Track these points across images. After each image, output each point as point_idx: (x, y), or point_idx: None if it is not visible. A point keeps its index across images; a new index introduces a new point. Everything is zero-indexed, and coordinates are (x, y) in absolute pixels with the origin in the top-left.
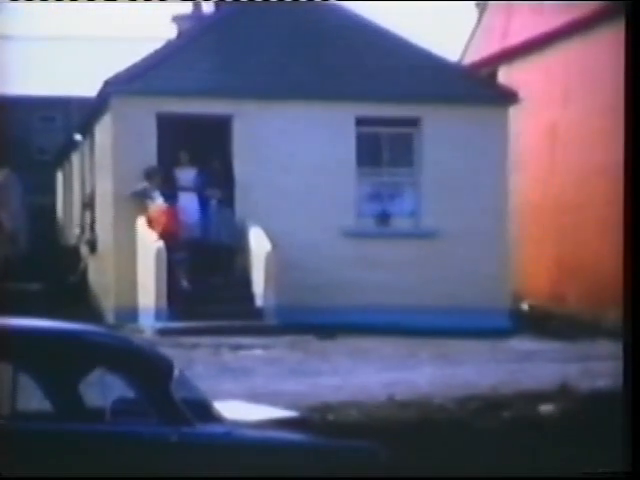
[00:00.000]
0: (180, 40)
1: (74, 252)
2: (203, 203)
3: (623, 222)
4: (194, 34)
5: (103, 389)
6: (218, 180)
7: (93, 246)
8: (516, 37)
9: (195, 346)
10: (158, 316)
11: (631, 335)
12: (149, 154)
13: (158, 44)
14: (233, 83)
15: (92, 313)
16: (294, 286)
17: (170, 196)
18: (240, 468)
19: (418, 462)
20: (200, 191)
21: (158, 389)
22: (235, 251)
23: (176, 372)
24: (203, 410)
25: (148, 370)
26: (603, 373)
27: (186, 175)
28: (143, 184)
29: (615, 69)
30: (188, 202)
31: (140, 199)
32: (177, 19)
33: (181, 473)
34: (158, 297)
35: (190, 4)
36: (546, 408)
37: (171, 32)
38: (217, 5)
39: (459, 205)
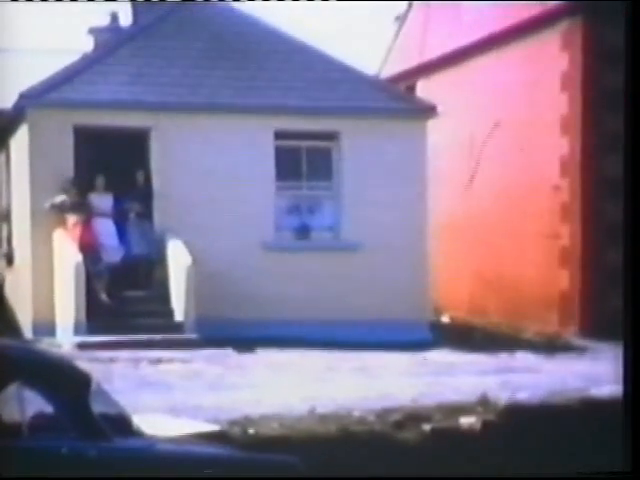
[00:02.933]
0: (97, 52)
1: None
2: (121, 218)
3: (623, 223)
4: (111, 46)
5: (21, 404)
6: (137, 193)
7: (10, 259)
8: (434, 51)
9: (114, 360)
10: (77, 330)
11: (631, 336)
12: (66, 167)
13: (75, 56)
14: (150, 95)
15: (9, 327)
16: (214, 300)
17: (87, 209)
18: None
19: (339, 475)
20: (117, 207)
21: (76, 404)
22: (154, 264)
23: (94, 386)
24: (122, 424)
25: (66, 385)
26: (523, 385)
27: (102, 199)
28: (60, 197)
29: (531, 83)
30: (106, 216)
31: (57, 212)
32: (94, 31)
33: None
34: (77, 311)
35: (107, 16)
36: (466, 420)
37: (88, 44)
38: (135, 17)
39: (379, 219)
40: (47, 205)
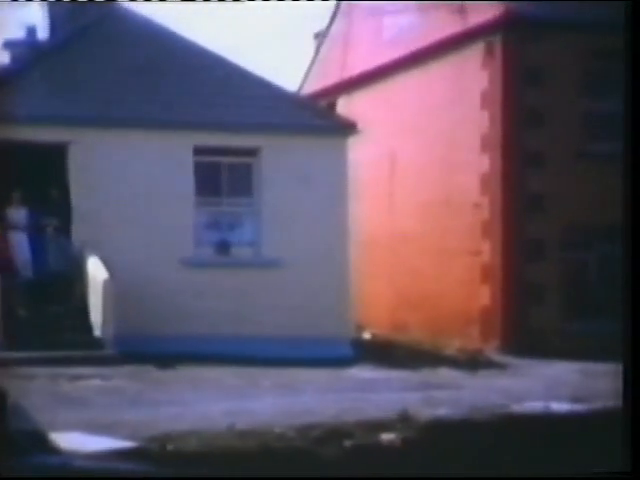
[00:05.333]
0: (14, 66)
1: None
2: (36, 232)
3: (623, 227)
4: (28, 60)
5: None
6: (55, 208)
7: None
8: (355, 68)
9: (32, 377)
10: None
11: (630, 340)
12: None
13: None
14: (68, 110)
15: None
16: (133, 316)
17: (3, 223)
18: None
19: None
20: (32, 222)
21: None
22: (73, 280)
23: (10, 403)
24: (39, 441)
25: None
26: (444, 401)
27: (18, 213)
28: None
29: (452, 101)
30: (22, 230)
31: None
32: (9, 45)
33: None
34: None
35: (22, 30)
36: (387, 437)
37: (3, 58)
38: (52, 31)
39: (299, 235)
40: None
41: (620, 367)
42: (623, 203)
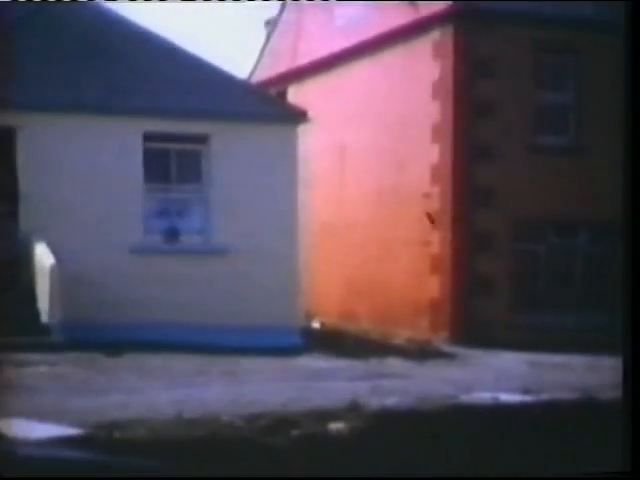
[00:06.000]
0: None
1: None
2: None
3: (623, 223)
4: None
5: None
6: (3, 193)
7: None
8: (306, 56)
9: None
10: None
11: (630, 338)
12: None
13: None
14: (16, 95)
15: None
16: (81, 303)
17: None
18: None
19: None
20: None
21: None
22: (20, 266)
23: None
24: None
25: None
26: (393, 391)
27: None
28: None
29: (403, 91)
30: None
31: None
32: None
33: None
34: None
35: None
36: (335, 426)
37: None
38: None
39: (249, 223)
40: None
41: (572, 359)
42: (623, 199)
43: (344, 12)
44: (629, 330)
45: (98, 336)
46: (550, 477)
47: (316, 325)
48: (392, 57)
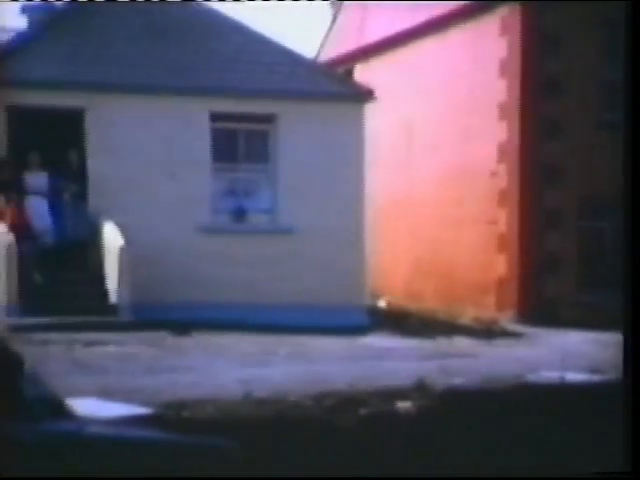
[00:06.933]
0: (30, 31)
1: None
2: (56, 197)
3: (624, 217)
4: (45, 25)
5: None
6: (72, 173)
7: None
8: (372, 35)
9: (47, 343)
10: (9, 312)
11: (631, 329)
12: None
13: (7, 35)
14: (85, 75)
15: None
16: (149, 282)
17: (21, 188)
18: (92, 466)
19: (274, 459)
20: (52, 186)
21: (8, 386)
22: (88, 246)
23: (26, 369)
24: (54, 407)
25: None
26: (460, 370)
27: (37, 177)
28: None
29: (470, 68)
30: (40, 195)
31: None
32: (27, 9)
33: (32, 472)
34: (9, 292)
35: None
36: (403, 405)
37: (21, 23)
38: None
39: (316, 202)
40: None
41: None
42: (624, 176)
43: None
44: (629, 322)
45: (166, 316)
46: (550, 477)
47: (382, 304)
48: (459, 34)
